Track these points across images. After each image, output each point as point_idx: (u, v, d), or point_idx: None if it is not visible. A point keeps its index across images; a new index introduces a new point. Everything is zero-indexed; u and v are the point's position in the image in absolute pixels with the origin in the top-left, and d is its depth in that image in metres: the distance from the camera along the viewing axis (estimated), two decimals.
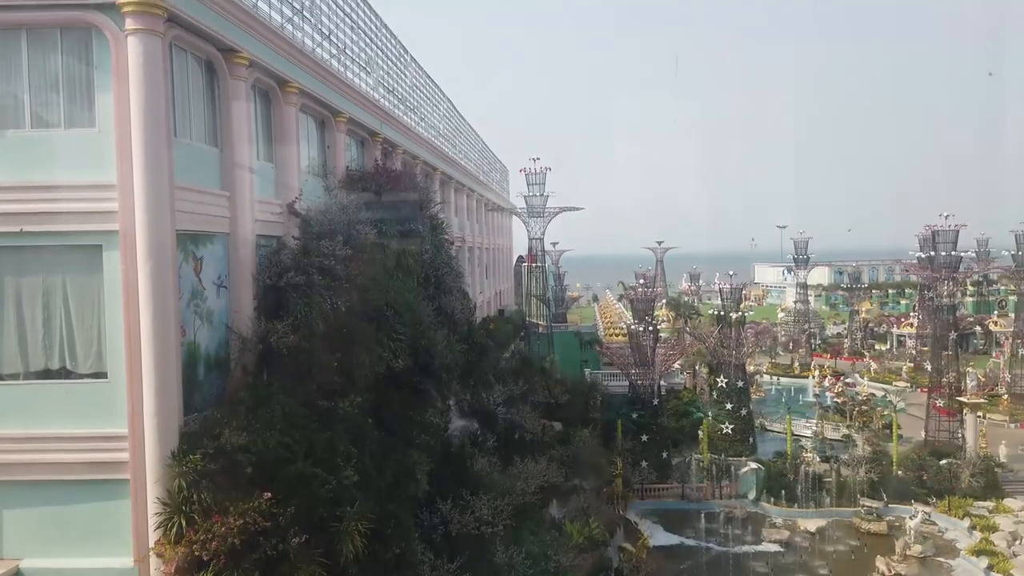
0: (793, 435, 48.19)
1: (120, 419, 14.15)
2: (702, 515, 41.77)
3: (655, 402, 47.07)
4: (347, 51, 25.41)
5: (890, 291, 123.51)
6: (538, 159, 53.84)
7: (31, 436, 14.28)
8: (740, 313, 53.22)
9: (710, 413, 51.06)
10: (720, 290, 55.13)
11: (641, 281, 71.68)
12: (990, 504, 41.38)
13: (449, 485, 21.82)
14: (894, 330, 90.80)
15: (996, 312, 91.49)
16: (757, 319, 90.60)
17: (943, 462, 44.19)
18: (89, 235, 14.17)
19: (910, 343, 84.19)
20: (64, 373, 14.53)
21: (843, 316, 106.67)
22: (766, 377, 76.80)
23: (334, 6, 24.11)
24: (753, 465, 45.27)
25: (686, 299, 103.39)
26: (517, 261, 73.50)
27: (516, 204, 58.81)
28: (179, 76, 15.45)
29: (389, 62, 31.41)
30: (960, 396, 48.30)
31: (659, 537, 38.97)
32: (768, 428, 57.06)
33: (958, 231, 51.48)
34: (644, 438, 45.44)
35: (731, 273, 55.90)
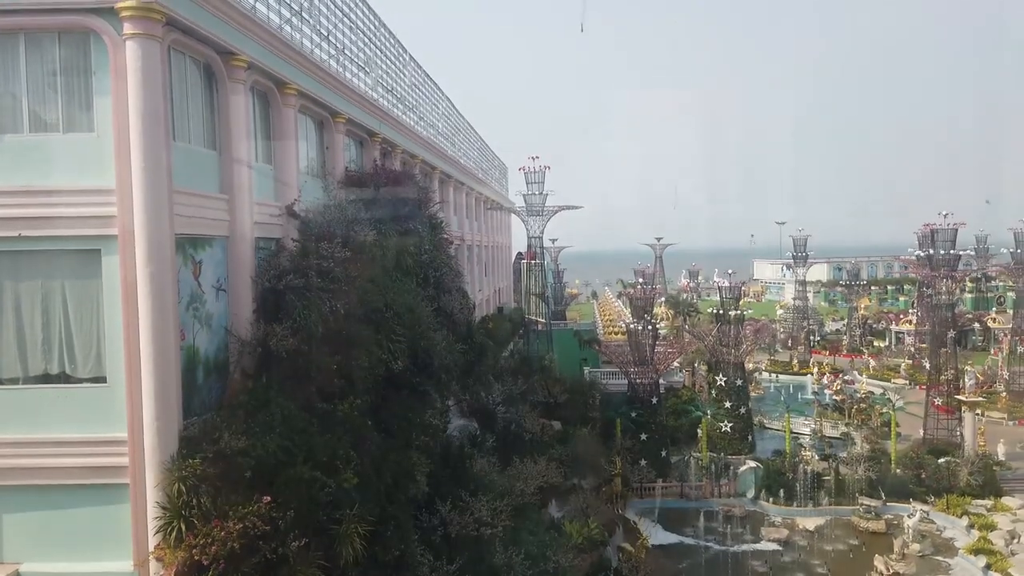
0: (792, 433, 48.30)
1: (120, 423, 14.14)
2: (701, 514, 41.91)
3: (654, 400, 47.13)
4: (346, 51, 25.36)
5: (889, 287, 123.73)
6: (537, 158, 53.91)
7: (31, 440, 14.28)
8: (739, 311, 53.26)
9: (709, 411, 51.17)
10: (719, 288, 55.18)
11: (640, 280, 71.58)
12: (988, 502, 41.51)
13: (448, 486, 21.85)
14: (893, 327, 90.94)
15: (995, 309, 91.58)
16: (756, 316, 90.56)
17: (941, 460, 44.30)
18: (88, 239, 14.14)
19: (909, 340, 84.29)
20: (63, 378, 14.52)
21: (842, 312, 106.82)
22: (765, 375, 76.88)
23: (332, 6, 24.05)
24: (752, 463, 45.39)
25: (685, 296, 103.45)
26: (516, 258, 73.51)
27: (515, 202, 58.82)
28: (177, 79, 15.41)
29: (388, 61, 31.36)
30: (959, 395, 48.38)
31: (658, 536, 39.08)
32: (767, 426, 57.20)
33: (956, 230, 51.55)
34: (643, 437, 45.54)
35: (730, 272, 55.95)
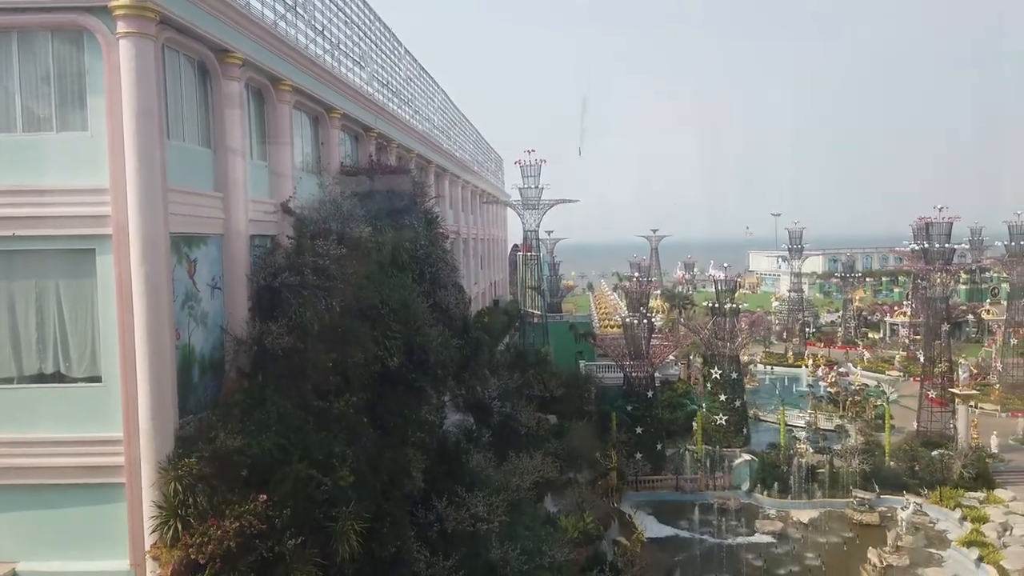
0: (787, 425, 48.49)
1: (115, 423, 14.14)
2: (696, 506, 42.06)
3: (649, 394, 47.23)
4: (341, 46, 25.27)
5: (884, 279, 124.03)
6: (533, 151, 53.81)
7: (26, 440, 14.28)
8: (734, 304, 53.36)
9: (704, 404, 51.35)
10: (715, 281, 55.25)
11: (636, 272, 71.58)
12: (981, 495, 41.72)
13: (444, 482, 21.91)
14: (887, 319, 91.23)
15: (989, 300, 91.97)
16: (752, 308, 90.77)
17: (935, 453, 44.52)
18: (82, 239, 14.11)
19: (903, 332, 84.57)
20: (58, 377, 14.50)
21: (837, 304, 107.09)
22: (760, 367, 77.13)
23: (328, 1, 23.96)
24: (747, 456, 45.56)
25: (680, 288, 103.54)
26: (512, 250, 73.45)
27: (511, 195, 58.72)
28: (171, 77, 15.34)
29: (383, 56, 31.26)
30: (952, 387, 48.60)
31: (653, 529, 39.21)
32: (762, 419, 57.34)
33: (951, 223, 51.67)
34: (638, 430, 45.63)
35: (726, 265, 56.03)
